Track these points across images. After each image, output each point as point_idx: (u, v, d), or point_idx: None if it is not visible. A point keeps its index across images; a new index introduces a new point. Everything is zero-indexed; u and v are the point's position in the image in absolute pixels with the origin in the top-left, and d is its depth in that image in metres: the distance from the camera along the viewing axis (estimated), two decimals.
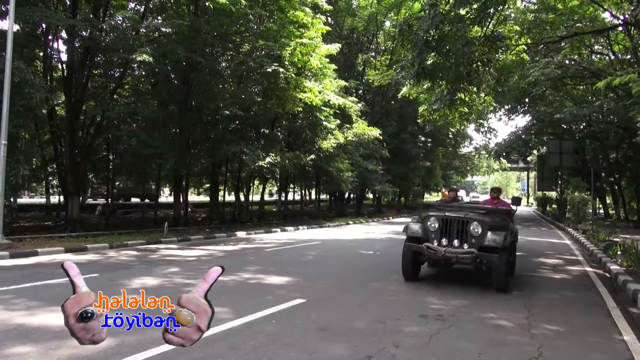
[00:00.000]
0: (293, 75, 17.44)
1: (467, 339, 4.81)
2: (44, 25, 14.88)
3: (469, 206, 8.76)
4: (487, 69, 12.77)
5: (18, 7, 11.58)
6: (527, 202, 71.96)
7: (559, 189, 30.77)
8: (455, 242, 7.17)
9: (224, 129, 18.81)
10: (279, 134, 22.90)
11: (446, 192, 10.54)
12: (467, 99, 15.44)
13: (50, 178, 23.38)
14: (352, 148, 24.62)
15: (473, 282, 7.96)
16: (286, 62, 17.30)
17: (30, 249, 10.43)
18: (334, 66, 20.94)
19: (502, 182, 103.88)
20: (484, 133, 39.88)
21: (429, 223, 7.42)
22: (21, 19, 12.96)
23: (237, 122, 19.27)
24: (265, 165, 17.05)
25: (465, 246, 7.11)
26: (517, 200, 8.99)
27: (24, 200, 29.80)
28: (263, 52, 17.26)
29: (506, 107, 27.64)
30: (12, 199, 13.55)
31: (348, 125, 24.35)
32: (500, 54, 13.46)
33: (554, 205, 36.23)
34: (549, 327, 5.34)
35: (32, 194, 37.78)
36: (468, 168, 49.13)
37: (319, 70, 19.83)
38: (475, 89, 14.69)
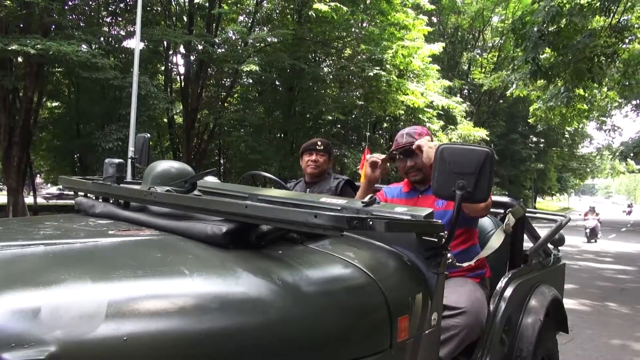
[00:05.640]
0: (395, 77, 17.23)
1: None
2: (165, 43, 16.28)
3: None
4: (611, 62, 11.56)
5: (143, 27, 12.82)
6: None
7: None
8: None
9: (326, 133, 19.16)
10: (379, 137, 22.77)
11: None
12: (586, 95, 14.12)
13: None
14: None
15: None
16: (388, 65, 17.15)
17: None
18: (436, 67, 20.32)
19: (629, 186, 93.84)
20: (607, 132, 36.13)
21: None
22: (146, 38, 14.35)
23: (339, 126, 19.50)
24: None
25: None
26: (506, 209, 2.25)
27: None
28: (364, 56, 17.29)
29: (634, 102, 24.89)
30: None
31: (452, 127, 23.47)
32: (628, 44, 12.11)
33: None
34: None
35: None
36: (588, 170, 44.88)
37: (422, 71, 19.36)
38: (596, 85, 13.38)
